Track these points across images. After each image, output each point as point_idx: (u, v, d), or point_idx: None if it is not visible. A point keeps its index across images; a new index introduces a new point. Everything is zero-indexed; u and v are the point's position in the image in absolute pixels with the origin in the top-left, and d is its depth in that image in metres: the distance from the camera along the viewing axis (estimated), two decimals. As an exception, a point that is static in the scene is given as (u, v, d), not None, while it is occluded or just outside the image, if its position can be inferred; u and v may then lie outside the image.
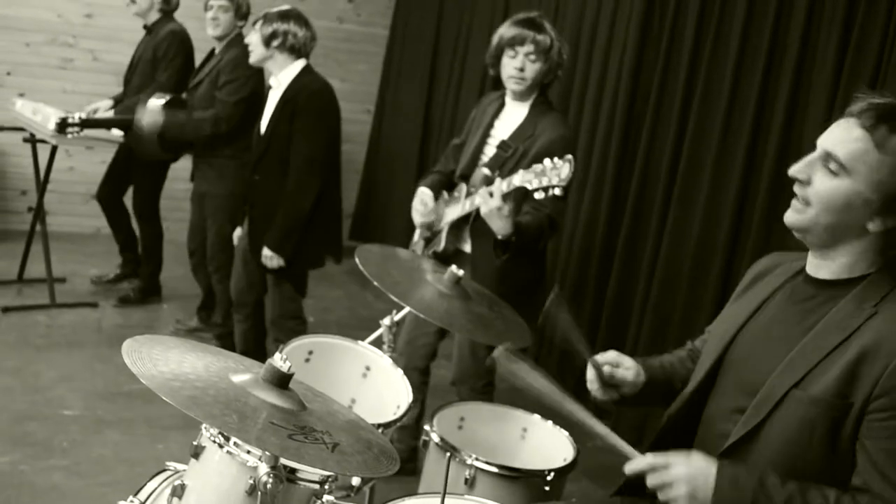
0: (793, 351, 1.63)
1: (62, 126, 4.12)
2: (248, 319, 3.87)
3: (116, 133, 4.36)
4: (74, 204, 5.76)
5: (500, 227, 2.80)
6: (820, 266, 1.68)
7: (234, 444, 1.54)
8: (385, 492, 2.14)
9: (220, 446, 1.56)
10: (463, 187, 3.13)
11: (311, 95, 3.52)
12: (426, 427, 2.29)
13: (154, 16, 4.57)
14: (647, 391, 1.91)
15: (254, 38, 3.58)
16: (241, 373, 1.52)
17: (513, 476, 2.17)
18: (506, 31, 3.06)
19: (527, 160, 2.98)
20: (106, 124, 4.22)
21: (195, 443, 1.60)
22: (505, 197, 2.74)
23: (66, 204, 5.71)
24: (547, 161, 2.65)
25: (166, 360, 1.48)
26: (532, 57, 3.01)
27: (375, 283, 2.27)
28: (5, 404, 3.47)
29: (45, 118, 4.22)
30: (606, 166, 4.14)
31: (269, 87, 3.68)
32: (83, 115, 4.21)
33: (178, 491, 1.59)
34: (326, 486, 1.63)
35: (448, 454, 2.16)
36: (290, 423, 1.42)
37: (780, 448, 1.60)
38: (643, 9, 3.99)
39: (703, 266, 3.61)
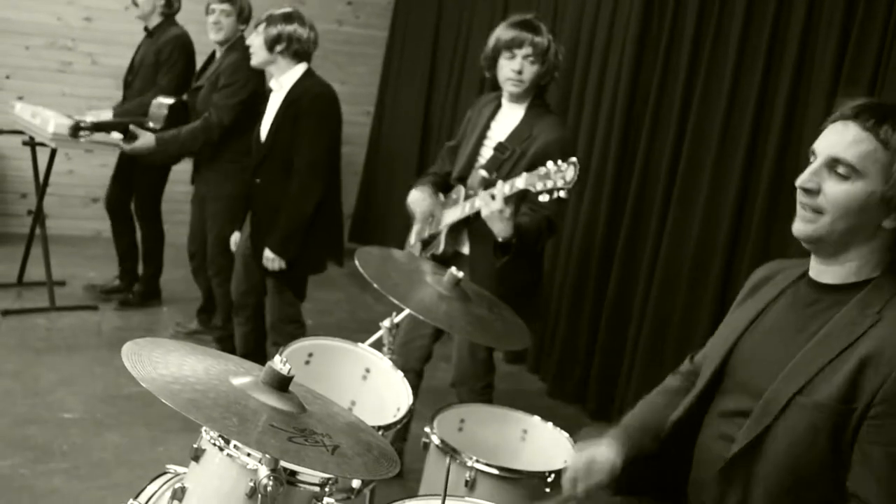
0: (796, 357, 1.62)
1: (75, 130, 4.14)
2: (248, 322, 3.87)
3: (116, 136, 4.36)
4: (74, 207, 5.76)
5: (501, 229, 2.81)
6: (825, 271, 1.67)
7: (235, 446, 1.54)
8: (385, 494, 2.14)
9: (221, 449, 1.56)
10: (461, 189, 3.13)
11: (315, 99, 3.52)
12: (426, 429, 2.29)
13: (156, 19, 4.58)
14: (632, 468, 1.83)
15: (256, 41, 3.55)
16: (241, 375, 1.52)
17: (513, 478, 2.17)
18: (503, 33, 3.06)
19: (524, 162, 2.99)
20: (116, 127, 4.22)
21: (195, 445, 1.60)
22: (506, 199, 2.75)
23: (65, 207, 5.72)
24: (550, 164, 2.65)
25: (166, 363, 1.48)
26: (530, 59, 3.01)
27: (375, 286, 2.27)
28: (5, 408, 3.46)
29: (44, 121, 4.22)
30: (606, 167, 4.15)
31: (270, 90, 3.68)
32: (95, 119, 4.21)
33: (179, 494, 1.59)
34: (327, 489, 1.63)
35: (448, 456, 2.16)
36: (290, 426, 1.42)
37: (784, 455, 1.60)
38: (642, 9, 3.99)
39: (703, 267, 3.61)
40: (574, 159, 2.62)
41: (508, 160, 3.03)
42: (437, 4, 5.87)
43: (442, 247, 3.14)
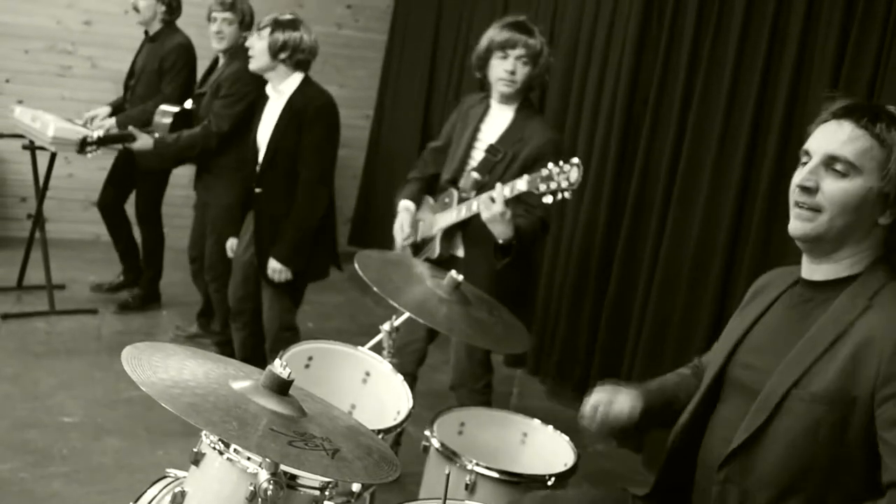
0: (792, 351, 1.64)
1: (82, 146, 4.15)
2: (246, 327, 3.87)
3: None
4: (74, 210, 5.76)
5: (503, 231, 2.82)
6: (816, 269, 1.69)
7: (235, 450, 1.54)
8: (385, 498, 2.14)
9: (221, 453, 1.56)
10: (453, 193, 3.13)
11: (320, 110, 3.49)
12: (426, 432, 2.29)
13: (157, 25, 4.58)
14: (645, 421, 1.89)
15: (258, 46, 3.49)
16: (241, 379, 1.52)
17: (513, 481, 2.17)
18: (496, 34, 3.07)
19: (517, 164, 3.01)
20: (122, 139, 4.23)
21: (195, 449, 1.60)
22: (507, 202, 2.76)
23: (65, 211, 5.71)
24: (552, 165, 2.66)
25: (166, 367, 1.48)
26: (523, 60, 3.03)
27: (375, 289, 2.27)
28: (5, 412, 3.46)
29: (44, 125, 4.22)
30: (606, 166, 4.14)
31: (266, 95, 3.66)
32: (101, 134, 4.21)
33: (179, 498, 1.59)
34: (327, 493, 1.63)
35: (449, 459, 2.16)
36: (290, 430, 1.42)
37: (785, 450, 1.60)
38: (642, 9, 3.99)
39: (703, 267, 3.61)
40: (577, 160, 2.63)
41: (501, 162, 3.04)
42: (436, 8, 5.87)
43: (437, 251, 3.14)
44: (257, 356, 3.86)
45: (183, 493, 1.59)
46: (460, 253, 3.15)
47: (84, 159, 4.51)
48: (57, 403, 3.61)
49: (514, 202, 2.85)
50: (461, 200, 3.07)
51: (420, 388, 3.40)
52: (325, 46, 5.80)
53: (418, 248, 3.25)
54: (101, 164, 5.13)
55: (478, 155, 3.13)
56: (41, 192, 4.58)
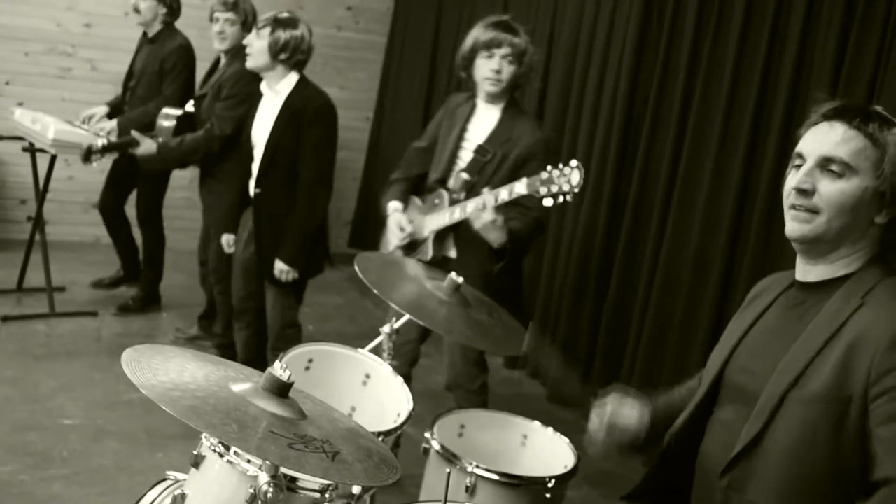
0: (787, 353, 1.64)
1: (87, 156, 4.15)
2: (250, 326, 3.88)
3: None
4: (74, 213, 5.76)
5: (496, 237, 2.84)
6: (811, 270, 1.70)
7: (235, 453, 1.54)
8: (386, 500, 2.14)
9: (221, 455, 1.56)
10: (444, 194, 3.13)
11: (319, 111, 3.50)
12: (426, 434, 2.29)
13: (157, 26, 4.58)
14: (652, 433, 1.89)
15: (257, 45, 3.48)
16: (241, 382, 1.52)
17: (514, 483, 2.17)
18: (481, 33, 3.09)
19: (507, 165, 3.02)
20: (126, 146, 4.23)
21: (195, 452, 1.60)
22: (498, 208, 2.77)
23: (65, 213, 5.71)
24: (551, 168, 2.66)
25: (166, 369, 1.48)
26: (509, 59, 3.05)
27: (375, 291, 2.27)
28: (5, 414, 3.46)
29: (44, 127, 4.22)
30: (606, 167, 4.14)
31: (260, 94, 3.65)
32: (105, 142, 4.21)
33: (179, 500, 1.59)
34: (327, 495, 1.63)
35: (449, 462, 2.16)
36: (290, 432, 1.42)
37: (785, 451, 1.60)
38: (642, 9, 4.00)
39: (703, 269, 3.61)
40: (576, 162, 2.63)
41: (490, 163, 3.05)
42: (436, 10, 5.87)
43: (431, 253, 3.14)
44: (260, 357, 3.86)
45: (183, 496, 1.59)
46: (452, 254, 3.16)
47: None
48: (57, 406, 3.61)
49: (508, 204, 2.85)
50: (452, 202, 3.07)
51: (416, 388, 3.40)
52: (325, 48, 5.84)
53: (409, 249, 3.25)
54: (100, 166, 5.12)
55: (466, 155, 3.14)
56: (41, 195, 4.58)
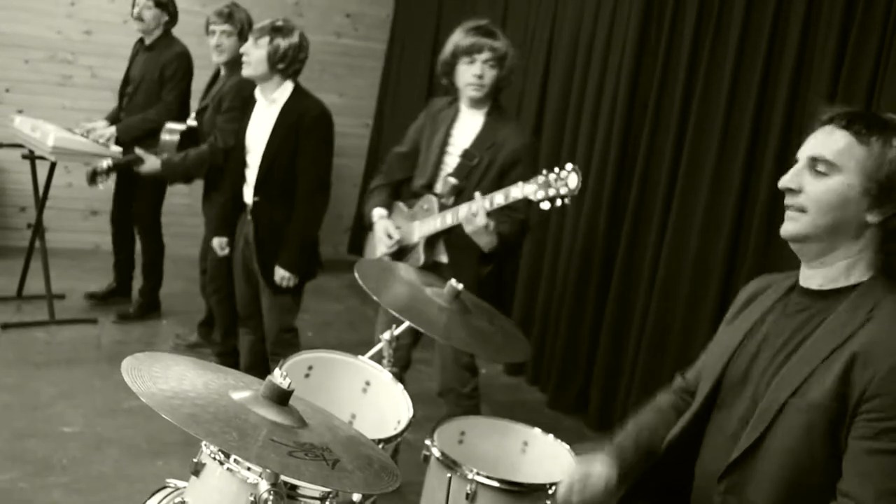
0: (790, 361, 1.64)
1: (93, 178, 4.17)
2: (256, 331, 3.88)
3: (115, 149, 4.37)
4: (73, 220, 5.76)
5: (487, 242, 2.86)
6: (813, 276, 1.70)
7: (235, 461, 1.54)
8: (386, 507, 2.13)
9: (221, 463, 1.56)
10: (432, 199, 3.13)
11: (316, 119, 3.51)
12: (427, 441, 2.29)
13: (157, 33, 4.59)
14: (625, 484, 1.87)
15: (256, 54, 3.48)
16: (241, 390, 1.52)
17: (514, 490, 2.16)
18: (461, 39, 3.10)
19: (494, 169, 3.03)
20: (131, 164, 4.23)
21: (195, 460, 1.60)
22: (489, 213, 2.79)
23: (64, 220, 5.72)
24: (547, 171, 2.67)
25: (166, 377, 1.48)
26: (490, 63, 3.06)
27: (375, 298, 2.27)
28: (4, 422, 3.46)
29: (44, 135, 4.23)
30: (606, 170, 4.14)
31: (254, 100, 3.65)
32: (110, 163, 4.22)
33: (179, 509, 1.58)
34: (327, 503, 1.63)
35: (449, 469, 2.16)
36: (290, 440, 1.42)
37: (782, 458, 1.60)
38: (642, 10, 4.00)
39: (704, 273, 3.61)
40: (574, 165, 2.64)
41: (477, 167, 3.06)
42: (435, 16, 5.88)
43: (423, 259, 3.15)
44: (264, 363, 3.86)
45: (183, 504, 1.59)
46: (444, 259, 3.16)
47: (83, 168, 4.50)
48: (57, 413, 3.60)
49: (498, 209, 2.86)
50: (442, 207, 3.08)
51: (409, 391, 3.40)
52: (324, 55, 5.85)
53: (397, 256, 3.25)
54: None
55: (451, 160, 3.15)
56: (41, 202, 4.59)
